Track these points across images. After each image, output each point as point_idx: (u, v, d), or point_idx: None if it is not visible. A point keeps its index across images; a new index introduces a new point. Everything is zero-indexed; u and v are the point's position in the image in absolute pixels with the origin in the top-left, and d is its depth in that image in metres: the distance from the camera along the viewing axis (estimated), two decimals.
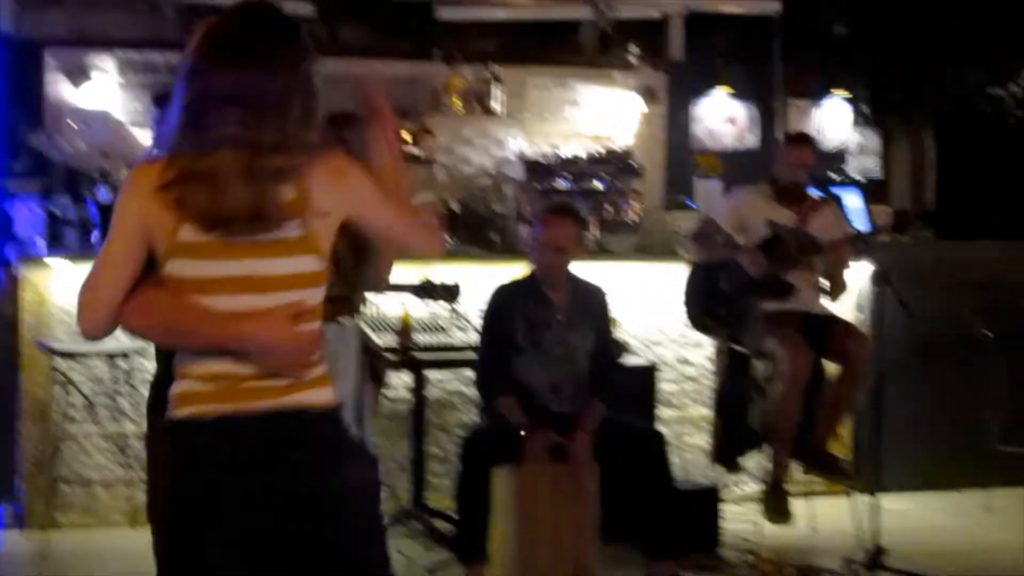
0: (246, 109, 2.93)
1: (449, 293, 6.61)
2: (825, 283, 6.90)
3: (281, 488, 2.97)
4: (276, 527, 2.97)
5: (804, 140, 7.24)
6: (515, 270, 6.38)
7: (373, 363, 5.86)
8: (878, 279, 6.42)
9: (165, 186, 2.93)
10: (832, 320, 6.89)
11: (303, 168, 2.97)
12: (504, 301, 6.17)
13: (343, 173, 3.07)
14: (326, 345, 5.44)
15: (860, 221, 6.80)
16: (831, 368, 6.82)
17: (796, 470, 6.93)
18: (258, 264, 2.96)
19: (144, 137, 8.54)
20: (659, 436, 6.18)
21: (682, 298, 7.09)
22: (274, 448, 2.98)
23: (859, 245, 6.73)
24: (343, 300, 4.99)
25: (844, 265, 6.82)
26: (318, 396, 3.05)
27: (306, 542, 2.98)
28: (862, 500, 6.59)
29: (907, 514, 7.35)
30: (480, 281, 6.83)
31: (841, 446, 7.52)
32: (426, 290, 6.62)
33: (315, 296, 3.04)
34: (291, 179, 2.95)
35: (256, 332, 2.95)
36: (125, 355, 6.83)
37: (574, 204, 6.73)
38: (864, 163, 10.17)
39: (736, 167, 9.38)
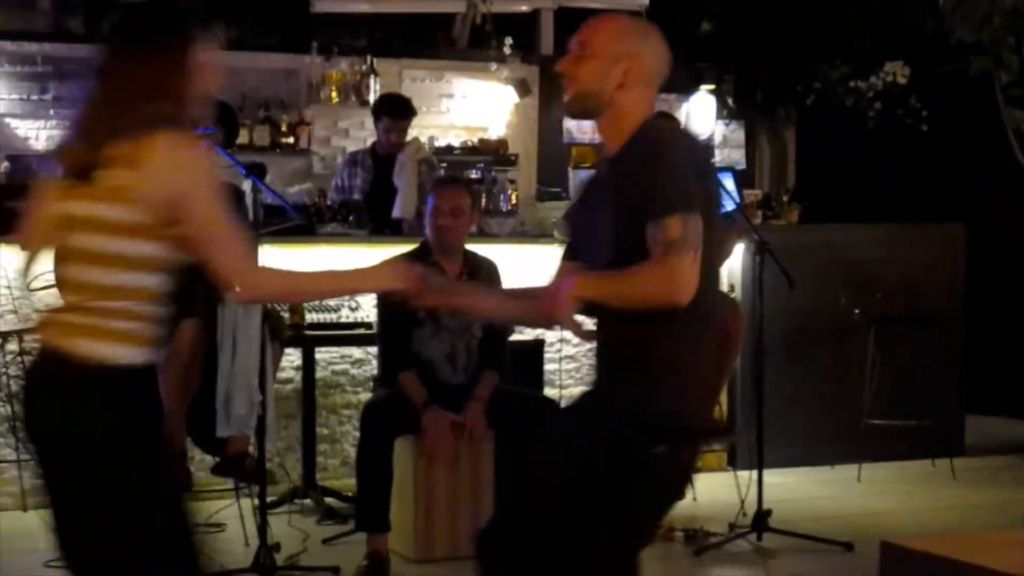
0: None
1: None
2: None
3: None
4: None
5: (666, 116, 7.48)
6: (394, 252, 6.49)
7: (273, 323, 5.96)
8: (759, 250, 6.61)
9: None
10: None
11: None
12: None
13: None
14: (230, 315, 5.57)
15: (732, 201, 6.99)
16: None
17: None
18: None
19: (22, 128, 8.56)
20: (553, 404, 6.34)
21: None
22: None
23: (732, 220, 6.91)
24: None
25: (726, 240, 7.01)
26: None
27: None
28: (742, 474, 6.82)
29: (784, 486, 7.57)
30: (362, 262, 6.94)
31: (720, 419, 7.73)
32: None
33: None
34: None
35: None
36: (15, 335, 6.79)
37: (464, 176, 6.85)
38: (729, 155, 10.44)
39: None
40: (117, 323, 3.19)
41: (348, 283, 3.70)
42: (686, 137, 3.55)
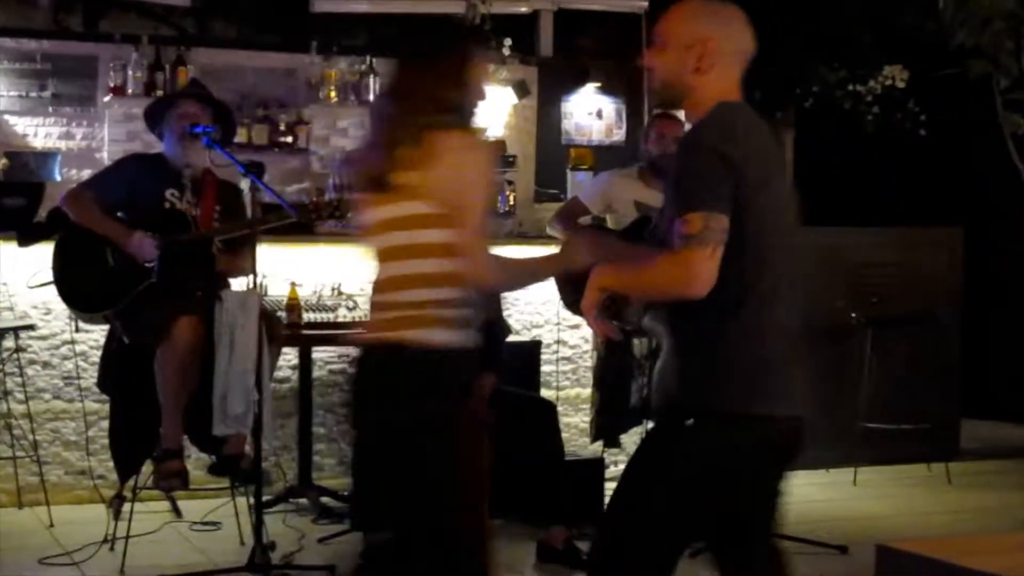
0: None
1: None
2: None
3: None
4: None
5: (672, 116, 7.49)
6: None
7: (271, 325, 5.96)
8: None
9: None
10: None
11: None
12: None
13: None
14: (228, 312, 5.58)
15: None
16: None
17: None
18: None
19: (20, 125, 8.54)
20: (550, 405, 6.36)
21: (555, 281, 7.23)
22: None
23: None
24: None
25: None
26: None
27: None
28: None
29: None
30: (360, 261, 6.98)
31: None
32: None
33: None
34: None
35: None
36: (11, 332, 6.79)
37: None
38: None
39: (605, 161, 9.57)
40: (429, 311, 3.64)
41: (550, 267, 4.10)
42: (728, 124, 3.52)
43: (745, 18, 3.66)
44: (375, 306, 3.78)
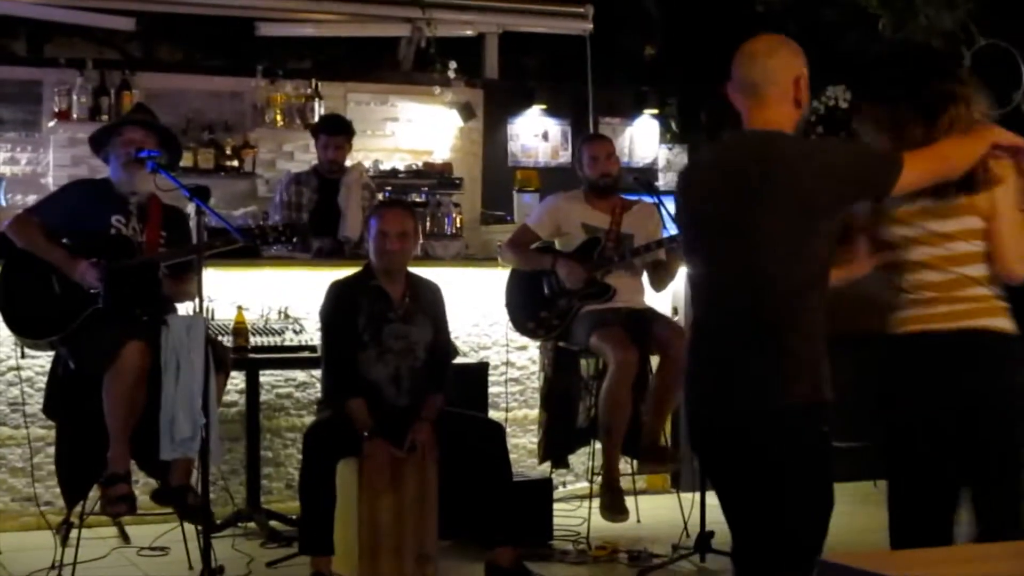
0: None
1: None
2: (646, 278, 7.13)
3: None
4: None
5: (600, 136, 7.63)
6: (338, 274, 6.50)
7: (218, 353, 5.94)
8: None
9: None
10: (652, 314, 7.09)
11: None
12: (343, 297, 6.25)
13: None
14: (174, 336, 5.57)
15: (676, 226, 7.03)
16: (655, 362, 7.02)
17: (625, 467, 7.15)
18: None
19: None
20: (498, 427, 6.37)
21: (505, 304, 7.26)
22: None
23: (674, 243, 6.92)
24: None
25: (670, 264, 7.06)
26: None
27: None
28: (685, 496, 6.86)
29: None
30: (306, 285, 7.02)
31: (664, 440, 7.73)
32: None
33: None
34: None
35: None
36: None
37: (408, 199, 6.87)
38: (672, 179, 10.50)
39: (551, 183, 9.61)
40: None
41: None
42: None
43: (744, 49, 4.02)
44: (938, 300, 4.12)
